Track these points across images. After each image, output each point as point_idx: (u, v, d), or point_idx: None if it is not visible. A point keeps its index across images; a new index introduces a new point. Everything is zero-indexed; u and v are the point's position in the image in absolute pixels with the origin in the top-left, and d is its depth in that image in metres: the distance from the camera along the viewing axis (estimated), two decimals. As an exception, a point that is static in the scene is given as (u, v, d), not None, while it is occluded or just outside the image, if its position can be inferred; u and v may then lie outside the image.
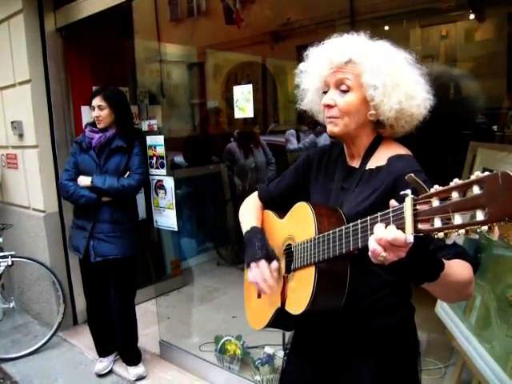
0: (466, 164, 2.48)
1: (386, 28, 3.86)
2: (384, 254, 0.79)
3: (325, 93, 1.11)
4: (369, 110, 1.06)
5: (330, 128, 1.11)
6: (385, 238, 0.77)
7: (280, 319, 1.19)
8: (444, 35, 4.17)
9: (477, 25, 3.92)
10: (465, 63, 3.97)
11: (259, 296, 1.27)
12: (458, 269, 0.91)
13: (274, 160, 4.34)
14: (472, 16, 3.85)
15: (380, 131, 1.11)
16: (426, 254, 0.83)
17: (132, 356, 2.72)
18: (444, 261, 0.87)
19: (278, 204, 1.32)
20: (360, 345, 1.12)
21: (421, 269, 0.84)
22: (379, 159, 1.09)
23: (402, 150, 1.10)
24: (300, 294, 1.06)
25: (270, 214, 1.32)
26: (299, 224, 1.12)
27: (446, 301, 0.97)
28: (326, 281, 1.01)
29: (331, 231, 0.97)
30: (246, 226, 1.27)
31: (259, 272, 1.13)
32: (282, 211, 1.26)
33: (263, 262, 1.13)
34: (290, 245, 1.16)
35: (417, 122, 1.09)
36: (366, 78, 1.04)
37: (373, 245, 0.80)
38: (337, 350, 1.15)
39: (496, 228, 0.64)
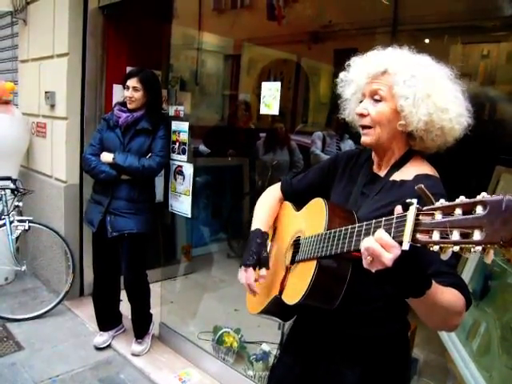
0: (489, 189, 2.42)
1: (427, 41, 3.77)
2: (369, 257, 0.80)
3: (361, 102, 1.13)
4: (399, 121, 1.07)
5: (363, 139, 1.13)
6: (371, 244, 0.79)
7: (275, 308, 1.23)
8: (485, 54, 4.05)
9: (521, 47, 3.80)
10: (503, 85, 3.85)
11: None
12: (448, 295, 0.89)
13: (302, 163, 4.30)
14: (517, 38, 3.73)
15: (411, 144, 1.11)
16: (416, 268, 0.81)
17: (141, 329, 2.75)
18: (434, 283, 0.85)
19: (298, 199, 1.34)
20: (346, 350, 1.12)
21: (407, 281, 0.82)
22: (406, 173, 1.09)
23: (430, 171, 1.10)
24: (297, 285, 1.07)
25: (288, 206, 1.35)
26: (311, 219, 1.14)
27: (428, 324, 0.95)
28: (324, 278, 1.02)
29: (337, 229, 0.98)
30: (253, 224, 1.32)
31: (245, 277, 1.22)
32: (301, 205, 1.28)
33: (251, 270, 1.21)
34: (299, 237, 1.18)
35: (451, 138, 1.08)
36: (397, 88, 1.05)
37: (363, 246, 0.81)
38: (324, 351, 1.16)
39: (491, 251, 0.64)
